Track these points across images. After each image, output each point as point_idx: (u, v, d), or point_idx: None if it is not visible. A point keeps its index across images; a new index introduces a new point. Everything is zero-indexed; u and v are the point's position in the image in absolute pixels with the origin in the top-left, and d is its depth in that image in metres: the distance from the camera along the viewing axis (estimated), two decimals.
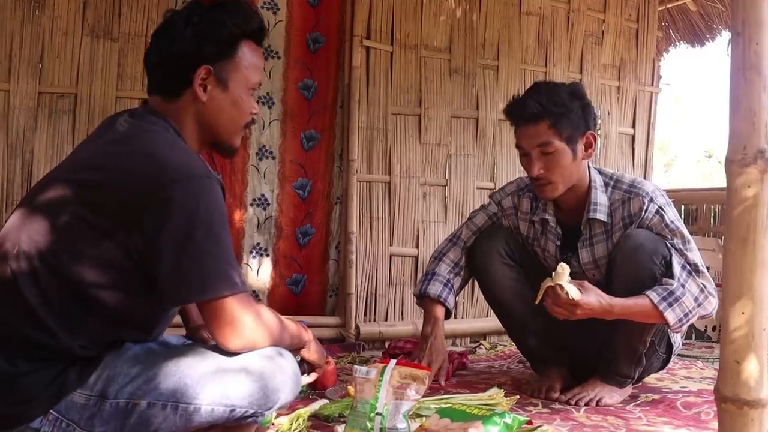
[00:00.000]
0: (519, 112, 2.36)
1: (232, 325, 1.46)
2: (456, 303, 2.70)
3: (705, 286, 2.26)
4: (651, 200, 2.34)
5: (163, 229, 1.41)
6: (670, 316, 2.19)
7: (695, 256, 2.30)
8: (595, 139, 2.39)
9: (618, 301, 2.21)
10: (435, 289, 2.60)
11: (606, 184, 2.43)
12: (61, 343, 1.43)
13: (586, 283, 2.22)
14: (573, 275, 2.45)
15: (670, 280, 2.22)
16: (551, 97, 2.32)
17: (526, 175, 2.64)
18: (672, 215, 2.34)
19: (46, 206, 1.48)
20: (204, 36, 1.58)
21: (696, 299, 2.23)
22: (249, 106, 1.68)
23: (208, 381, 1.45)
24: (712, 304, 2.28)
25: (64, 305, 1.44)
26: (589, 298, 2.17)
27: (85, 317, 1.45)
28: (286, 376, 1.54)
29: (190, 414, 1.44)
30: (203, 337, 1.86)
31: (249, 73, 1.65)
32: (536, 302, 2.22)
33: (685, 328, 2.30)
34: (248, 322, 1.48)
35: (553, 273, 2.18)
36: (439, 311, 2.61)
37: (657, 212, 2.33)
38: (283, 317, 1.64)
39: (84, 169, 1.52)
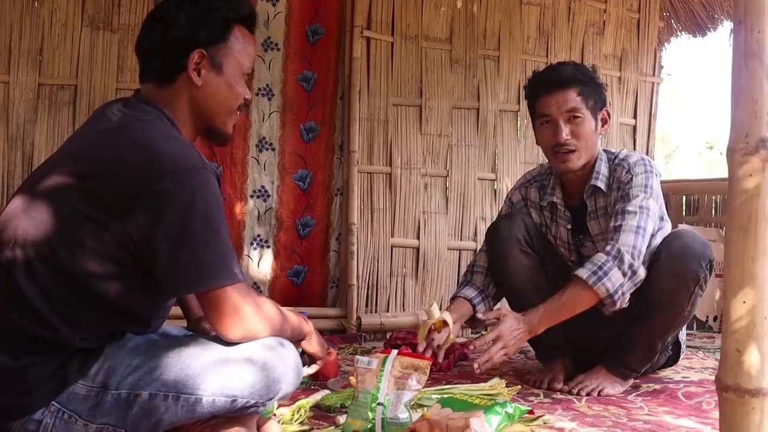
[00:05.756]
0: (551, 77, 2.42)
1: (232, 315, 1.46)
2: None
3: (632, 265, 2.23)
4: (630, 167, 2.39)
5: (160, 221, 1.41)
6: (601, 290, 2.20)
7: (639, 221, 2.28)
8: (609, 116, 2.48)
9: (538, 311, 2.28)
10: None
11: (609, 160, 2.48)
12: (61, 336, 1.43)
13: (503, 309, 2.33)
14: (587, 257, 2.46)
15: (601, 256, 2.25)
16: (579, 68, 2.44)
17: (529, 168, 2.66)
18: (642, 181, 2.35)
19: (43, 197, 1.48)
20: (197, 20, 1.59)
21: (624, 274, 2.22)
22: (243, 90, 1.68)
23: (209, 372, 1.45)
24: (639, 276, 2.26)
25: (62, 297, 1.44)
26: (507, 323, 2.25)
27: (83, 309, 1.45)
28: (287, 367, 1.54)
29: (191, 404, 1.45)
30: (205, 329, 1.86)
31: (242, 57, 1.66)
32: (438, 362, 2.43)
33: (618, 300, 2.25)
34: (248, 312, 1.48)
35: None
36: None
37: (629, 171, 2.38)
38: (283, 308, 1.64)
39: (79, 160, 1.51)
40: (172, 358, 1.46)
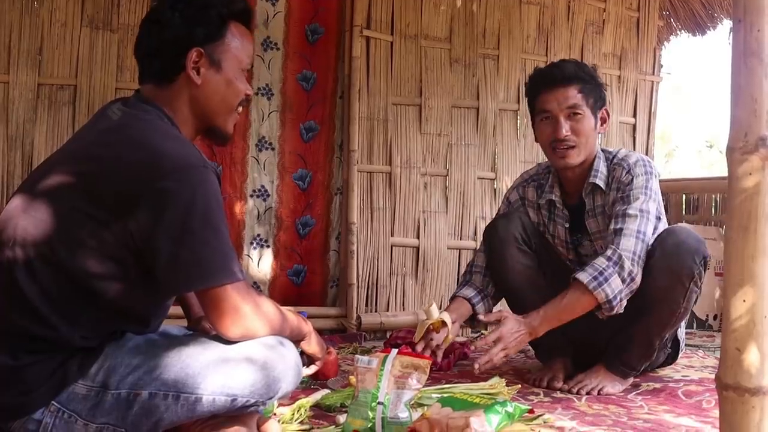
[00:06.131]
0: (553, 73, 2.44)
1: (232, 314, 1.46)
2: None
3: (632, 272, 2.24)
4: (630, 168, 2.39)
5: (160, 220, 1.41)
6: (601, 295, 2.21)
7: (639, 225, 2.29)
8: (608, 115, 2.50)
9: (539, 314, 2.29)
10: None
11: (607, 159, 2.49)
12: (61, 335, 1.43)
13: (503, 311, 2.34)
14: (584, 258, 2.47)
15: (602, 261, 2.25)
16: (580, 66, 2.46)
17: (528, 167, 2.66)
18: (642, 183, 2.36)
19: (43, 196, 1.48)
20: (192, 19, 1.59)
21: (623, 281, 2.23)
22: (244, 86, 1.69)
23: (209, 371, 1.46)
24: (635, 282, 2.26)
25: (62, 296, 1.44)
26: (508, 326, 2.26)
27: (83, 308, 1.45)
28: (287, 366, 1.54)
29: (192, 404, 1.45)
30: (205, 329, 1.86)
31: (240, 53, 1.66)
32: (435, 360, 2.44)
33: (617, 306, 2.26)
34: (247, 310, 1.48)
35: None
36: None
37: (629, 172, 2.38)
38: (283, 308, 1.64)
39: (79, 159, 1.51)
40: (172, 357, 1.46)
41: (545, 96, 2.42)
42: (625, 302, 2.25)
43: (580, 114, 2.38)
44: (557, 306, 2.28)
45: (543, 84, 2.44)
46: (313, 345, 1.82)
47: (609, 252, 2.26)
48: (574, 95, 2.38)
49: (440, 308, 2.46)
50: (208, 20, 1.61)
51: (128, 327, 1.54)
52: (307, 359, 1.86)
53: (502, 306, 2.74)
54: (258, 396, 1.50)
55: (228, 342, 1.50)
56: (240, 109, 1.72)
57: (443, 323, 2.38)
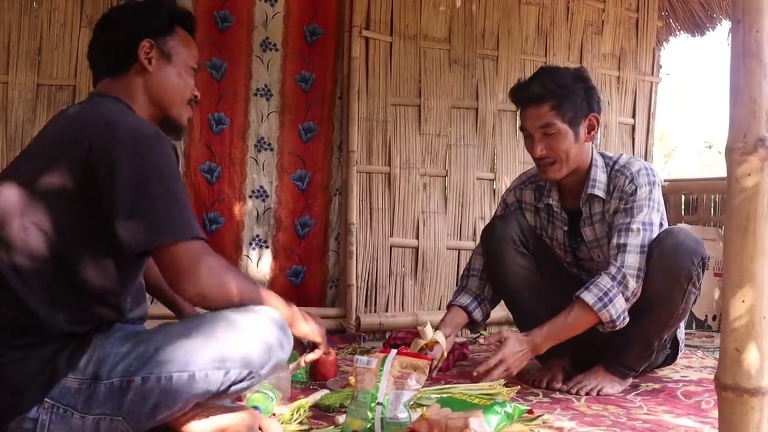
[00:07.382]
0: (522, 94, 2.39)
1: (188, 272, 1.47)
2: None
3: (635, 290, 2.26)
4: (634, 177, 2.36)
5: (116, 185, 1.45)
6: (605, 316, 2.23)
7: (642, 239, 2.29)
8: (598, 122, 2.41)
9: (542, 331, 2.30)
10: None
11: (606, 165, 2.45)
12: (44, 321, 1.45)
13: (503, 333, 2.34)
14: (582, 261, 2.46)
15: (605, 280, 2.25)
16: (554, 80, 2.36)
17: (528, 167, 2.65)
18: (645, 194, 2.34)
19: (11, 183, 1.52)
20: (144, 14, 1.71)
21: (627, 299, 2.26)
22: (191, 84, 1.77)
23: (198, 347, 1.47)
24: (629, 289, 2.26)
25: (37, 279, 1.46)
26: (510, 346, 2.27)
27: (61, 289, 1.48)
28: (273, 332, 1.55)
29: (186, 382, 1.45)
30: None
31: (186, 52, 1.76)
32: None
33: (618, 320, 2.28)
34: (202, 270, 1.49)
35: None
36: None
37: (632, 182, 2.36)
38: (265, 291, 1.66)
39: (43, 145, 1.58)
40: (160, 340, 1.48)
41: (522, 113, 2.41)
42: (627, 319, 2.27)
43: (554, 131, 2.33)
44: (561, 324, 2.29)
45: (517, 102, 2.42)
46: (300, 328, 1.75)
47: (613, 270, 2.26)
48: (546, 113, 2.33)
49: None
50: (158, 15, 1.71)
51: (104, 308, 1.56)
52: (309, 344, 1.83)
53: (501, 307, 2.74)
54: (251, 366, 1.51)
55: (215, 320, 1.51)
56: (191, 106, 1.79)
57: (437, 342, 2.39)
